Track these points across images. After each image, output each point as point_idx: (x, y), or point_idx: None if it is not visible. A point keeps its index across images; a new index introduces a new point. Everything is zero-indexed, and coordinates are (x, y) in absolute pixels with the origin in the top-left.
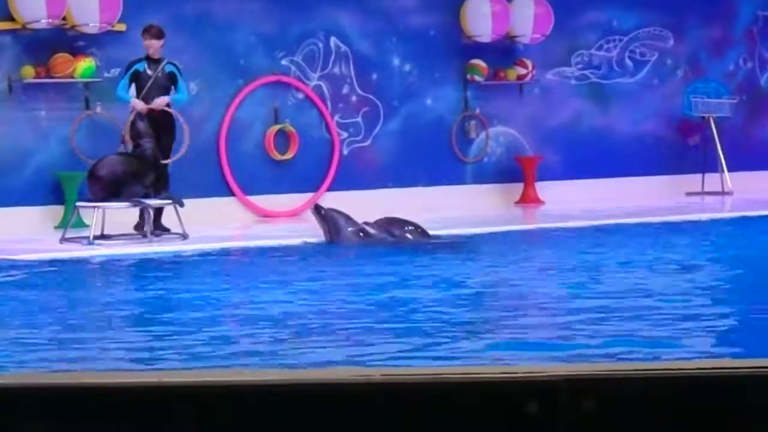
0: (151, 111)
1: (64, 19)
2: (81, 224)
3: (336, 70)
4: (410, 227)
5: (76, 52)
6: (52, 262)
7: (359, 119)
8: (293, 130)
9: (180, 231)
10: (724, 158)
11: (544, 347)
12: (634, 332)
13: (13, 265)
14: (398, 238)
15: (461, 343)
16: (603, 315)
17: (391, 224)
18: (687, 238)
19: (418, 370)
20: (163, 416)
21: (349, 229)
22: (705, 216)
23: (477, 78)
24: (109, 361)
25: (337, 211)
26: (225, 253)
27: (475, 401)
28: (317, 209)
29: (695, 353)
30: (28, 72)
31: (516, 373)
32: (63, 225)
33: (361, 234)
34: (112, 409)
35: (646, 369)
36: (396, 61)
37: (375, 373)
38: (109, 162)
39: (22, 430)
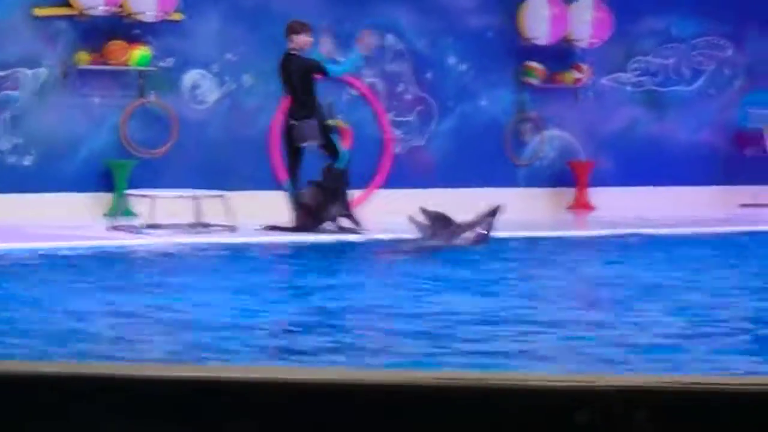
0: None
1: (120, 6)
2: (130, 213)
3: (391, 67)
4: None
5: (131, 40)
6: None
7: (413, 118)
8: (346, 126)
9: (228, 223)
10: None
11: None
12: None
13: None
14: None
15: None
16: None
17: (440, 220)
18: (739, 250)
19: (469, 374)
20: (222, 412)
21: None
22: (758, 228)
23: (533, 80)
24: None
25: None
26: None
27: (524, 408)
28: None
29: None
30: (83, 58)
31: (567, 381)
32: (112, 213)
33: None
34: (166, 402)
35: (699, 382)
36: (452, 61)
37: (428, 375)
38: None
39: (80, 418)
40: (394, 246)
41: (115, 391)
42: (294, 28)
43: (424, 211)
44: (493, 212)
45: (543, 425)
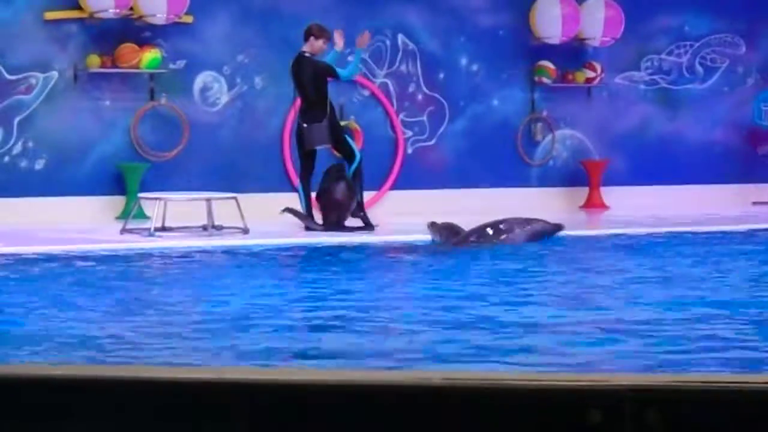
0: None
1: (131, 9)
2: (142, 215)
3: (403, 68)
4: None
5: (142, 43)
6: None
7: (424, 118)
8: (358, 127)
9: (241, 225)
10: None
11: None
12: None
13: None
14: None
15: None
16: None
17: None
18: (753, 247)
19: (478, 374)
20: (218, 413)
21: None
22: None
23: (545, 80)
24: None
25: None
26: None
27: (538, 408)
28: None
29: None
30: (94, 61)
31: (580, 381)
32: (124, 216)
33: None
34: (167, 403)
35: (711, 381)
36: (463, 61)
37: (435, 375)
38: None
39: (80, 420)
40: (426, 245)
41: (115, 392)
42: (313, 32)
43: (433, 224)
44: (557, 227)
45: (555, 424)
